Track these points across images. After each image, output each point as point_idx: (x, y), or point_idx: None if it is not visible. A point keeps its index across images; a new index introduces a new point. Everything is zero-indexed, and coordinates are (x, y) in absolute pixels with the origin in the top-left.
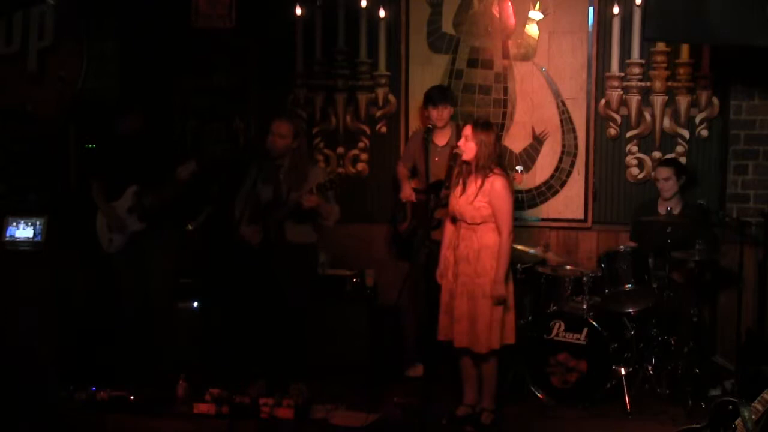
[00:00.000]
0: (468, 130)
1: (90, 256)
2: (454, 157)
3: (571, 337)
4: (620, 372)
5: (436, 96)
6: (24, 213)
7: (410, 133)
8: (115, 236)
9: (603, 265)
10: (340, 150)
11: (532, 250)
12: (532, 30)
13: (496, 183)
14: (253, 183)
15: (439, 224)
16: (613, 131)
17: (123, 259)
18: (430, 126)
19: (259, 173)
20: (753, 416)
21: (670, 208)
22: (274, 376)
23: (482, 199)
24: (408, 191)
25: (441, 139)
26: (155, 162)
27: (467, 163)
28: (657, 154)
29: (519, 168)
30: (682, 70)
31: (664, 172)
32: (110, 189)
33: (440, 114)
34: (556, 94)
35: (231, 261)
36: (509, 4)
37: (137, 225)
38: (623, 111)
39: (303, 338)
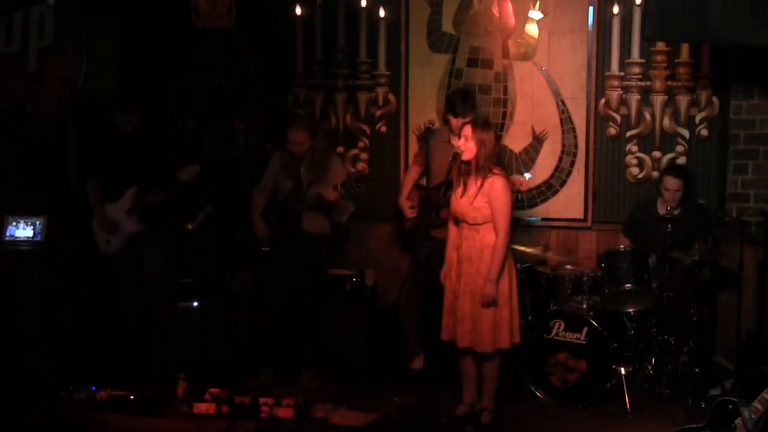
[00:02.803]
0: (467, 130)
1: (90, 256)
2: (454, 157)
3: (571, 337)
4: (620, 372)
5: (459, 108)
6: (24, 213)
7: (410, 132)
8: (113, 237)
9: (603, 265)
10: (340, 150)
11: (532, 250)
12: (532, 30)
13: (496, 183)
14: (273, 175)
15: (443, 223)
16: (613, 131)
17: (121, 259)
18: (430, 126)
19: (281, 166)
20: (753, 416)
21: (670, 208)
22: (284, 363)
23: (482, 200)
24: (404, 202)
25: (456, 139)
26: (155, 162)
27: (467, 163)
28: (657, 154)
29: (527, 175)
30: (682, 70)
31: (676, 183)
32: (108, 189)
33: (458, 123)
34: (556, 94)
35: (246, 249)
36: (509, 3)
37: (136, 226)
38: (623, 110)
39: (317, 326)
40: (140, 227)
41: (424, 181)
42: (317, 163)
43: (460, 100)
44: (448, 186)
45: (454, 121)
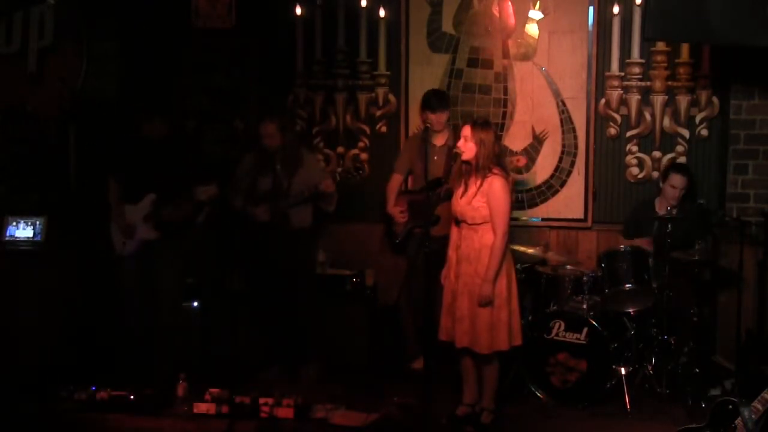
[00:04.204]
0: (467, 131)
1: (91, 255)
2: (454, 156)
3: (571, 337)
4: (620, 372)
5: (435, 103)
6: (24, 213)
7: (410, 133)
8: (129, 240)
9: (603, 265)
10: (340, 150)
11: (532, 250)
12: (532, 30)
13: (495, 183)
14: (248, 174)
15: (438, 220)
16: (613, 131)
17: (133, 261)
18: (428, 126)
19: (254, 166)
20: (753, 416)
21: (670, 207)
22: (288, 360)
23: (481, 199)
24: (393, 209)
25: (439, 139)
26: (176, 172)
27: (467, 163)
28: (657, 154)
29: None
30: (682, 70)
31: (683, 181)
32: (127, 191)
33: (439, 118)
34: (556, 94)
35: (238, 246)
36: (509, 3)
37: (151, 234)
38: (623, 111)
39: (308, 321)
40: (155, 235)
41: (409, 185)
42: (290, 158)
43: (434, 97)
44: (434, 185)
45: (433, 117)
